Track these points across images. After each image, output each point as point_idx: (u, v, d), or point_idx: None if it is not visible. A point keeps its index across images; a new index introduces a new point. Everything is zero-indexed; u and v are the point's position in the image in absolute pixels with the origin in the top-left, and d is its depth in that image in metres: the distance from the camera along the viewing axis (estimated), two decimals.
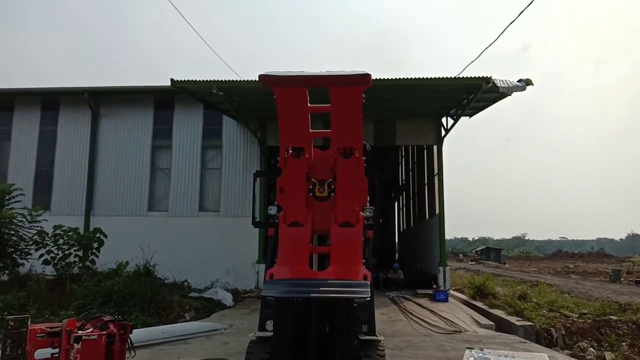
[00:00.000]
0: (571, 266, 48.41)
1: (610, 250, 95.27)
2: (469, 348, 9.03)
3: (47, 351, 4.93)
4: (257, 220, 6.19)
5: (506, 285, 20.81)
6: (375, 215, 5.61)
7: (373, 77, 4.13)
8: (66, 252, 14.44)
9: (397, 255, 34.84)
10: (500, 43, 14.66)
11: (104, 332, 5.36)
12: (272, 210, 5.73)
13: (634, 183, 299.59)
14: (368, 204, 5.64)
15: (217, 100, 16.78)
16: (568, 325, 13.40)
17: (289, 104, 4.74)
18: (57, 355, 4.92)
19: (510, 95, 15.21)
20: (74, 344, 4.97)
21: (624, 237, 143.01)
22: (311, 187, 5.49)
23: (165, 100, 19.77)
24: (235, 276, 17.63)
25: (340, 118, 4.92)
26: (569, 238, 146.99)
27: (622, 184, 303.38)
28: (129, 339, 5.75)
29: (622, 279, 30.76)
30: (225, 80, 15.43)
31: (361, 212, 5.47)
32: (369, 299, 4.96)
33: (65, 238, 14.44)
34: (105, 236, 14.88)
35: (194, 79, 15.54)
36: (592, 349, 12.39)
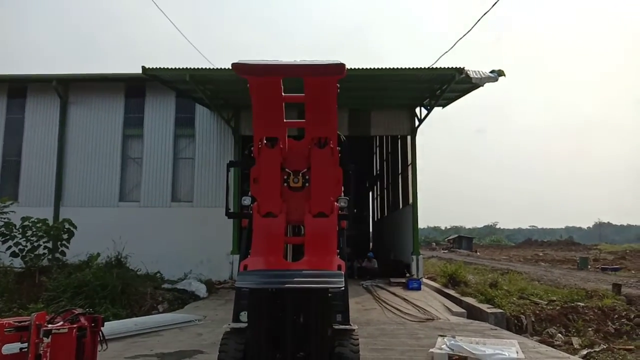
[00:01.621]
0: (540, 254, 49.49)
1: (578, 238, 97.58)
2: (441, 335, 9.18)
3: (16, 346, 4.81)
4: (231, 211, 6.13)
5: (477, 274, 21.20)
6: (349, 206, 5.61)
7: (348, 66, 4.12)
8: (35, 244, 14.13)
9: (371, 244, 35.14)
10: (473, 34, 14.78)
11: (75, 326, 5.25)
12: (246, 200, 5.67)
13: (602, 173, 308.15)
14: (342, 194, 5.64)
15: (189, 89, 16.57)
16: (537, 312, 13.74)
17: (263, 93, 4.69)
18: (26, 350, 4.80)
19: (482, 85, 15.40)
20: (44, 338, 4.86)
21: (591, 226, 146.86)
22: (285, 177, 5.45)
23: (136, 88, 19.40)
24: (209, 267, 17.52)
25: (315, 108, 4.89)
26: (539, 227, 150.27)
27: (591, 174, 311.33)
28: (100, 332, 5.65)
29: (589, 266, 31.60)
30: (198, 69, 15.23)
31: (335, 203, 5.47)
32: (343, 288, 4.97)
33: (34, 229, 14.11)
34: (75, 227, 14.60)
35: (165, 67, 15.29)
36: (560, 334, 12.75)
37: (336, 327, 5.21)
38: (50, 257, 14.65)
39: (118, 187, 19.05)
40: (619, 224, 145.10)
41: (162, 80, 16.31)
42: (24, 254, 14.05)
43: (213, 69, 15.65)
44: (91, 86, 19.62)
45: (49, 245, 14.47)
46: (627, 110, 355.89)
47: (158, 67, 15.23)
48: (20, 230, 13.99)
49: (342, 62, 4.13)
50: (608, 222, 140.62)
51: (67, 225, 14.58)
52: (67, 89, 19.44)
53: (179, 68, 15.14)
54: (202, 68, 15.39)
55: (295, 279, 4.73)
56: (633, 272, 27.78)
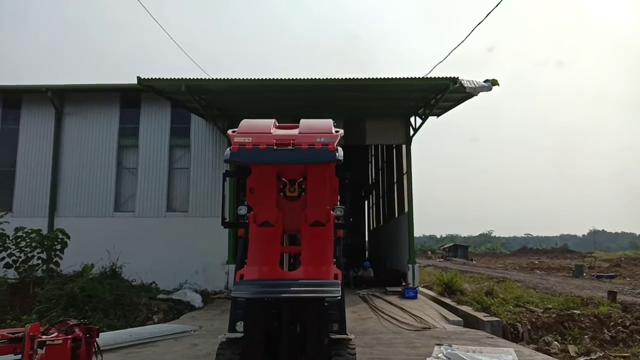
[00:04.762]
0: (536, 262, 49.56)
1: (573, 246, 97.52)
2: (438, 344, 9.17)
3: (9, 357, 4.77)
4: (227, 220, 6.14)
5: (473, 282, 21.18)
6: (345, 215, 5.63)
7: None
8: (29, 255, 14.03)
9: (367, 253, 35.09)
10: (466, 44, 14.91)
11: (69, 337, 5.21)
12: (242, 210, 5.69)
13: (596, 181, 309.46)
14: (338, 203, 5.66)
15: (185, 99, 16.58)
16: (533, 320, 13.73)
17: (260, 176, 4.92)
18: None
19: (476, 95, 15.49)
20: (38, 350, 4.82)
21: (586, 233, 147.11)
22: (282, 186, 5.47)
23: (131, 99, 19.39)
24: (205, 277, 17.44)
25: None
26: (534, 235, 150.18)
27: (585, 182, 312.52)
28: (95, 343, 5.61)
29: (585, 274, 31.66)
30: (193, 79, 15.26)
31: (332, 212, 5.48)
32: (339, 297, 4.98)
33: (28, 240, 14.02)
34: (68, 237, 14.52)
35: (161, 77, 15.29)
36: (556, 342, 12.73)
37: (333, 336, 5.21)
38: (44, 267, 14.55)
39: (113, 197, 18.98)
40: (613, 232, 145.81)
41: (157, 91, 16.31)
42: (17, 264, 13.94)
43: (208, 79, 15.69)
44: (86, 97, 19.60)
45: (43, 255, 14.38)
46: (620, 116, 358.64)
47: (153, 77, 15.23)
48: (14, 241, 13.90)
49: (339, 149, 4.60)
50: (602, 230, 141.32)
51: (60, 236, 14.49)
52: (62, 99, 19.41)
53: (174, 78, 15.16)
54: (197, 78, 15.43)
55: (292, 289, 4.74)
56: (628, 279, 27.87)
